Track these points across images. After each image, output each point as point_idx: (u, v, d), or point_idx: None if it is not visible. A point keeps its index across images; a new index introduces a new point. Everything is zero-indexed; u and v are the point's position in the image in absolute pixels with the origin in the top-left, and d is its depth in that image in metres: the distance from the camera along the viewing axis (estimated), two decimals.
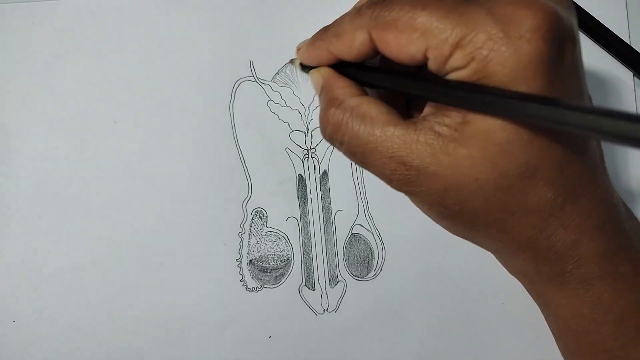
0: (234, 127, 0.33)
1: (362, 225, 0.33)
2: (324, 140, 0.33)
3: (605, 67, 0.33)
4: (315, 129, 0.33)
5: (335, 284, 0.33)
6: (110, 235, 0.32)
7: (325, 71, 0.25)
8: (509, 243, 0.22)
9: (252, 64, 0.33)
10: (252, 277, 0.32)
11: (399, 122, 0.22)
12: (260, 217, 0.33)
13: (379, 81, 0.23)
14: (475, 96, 0.19)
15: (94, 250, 0.32)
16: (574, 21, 0.21)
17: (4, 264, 0.32)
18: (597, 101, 0.33)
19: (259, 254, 0.32)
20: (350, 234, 0.33)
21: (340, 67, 0.25)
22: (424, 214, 0.31)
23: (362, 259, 0.33)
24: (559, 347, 0.27)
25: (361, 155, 0.22)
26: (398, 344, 0.32)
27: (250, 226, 0.33)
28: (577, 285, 0.23)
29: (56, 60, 0.33)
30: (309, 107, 0.33)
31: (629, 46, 0.33)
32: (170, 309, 0.32)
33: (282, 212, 0.33)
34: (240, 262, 0.32)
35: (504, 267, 0.26)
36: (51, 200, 0.32)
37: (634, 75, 0.33)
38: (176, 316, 0.32)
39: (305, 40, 0.26)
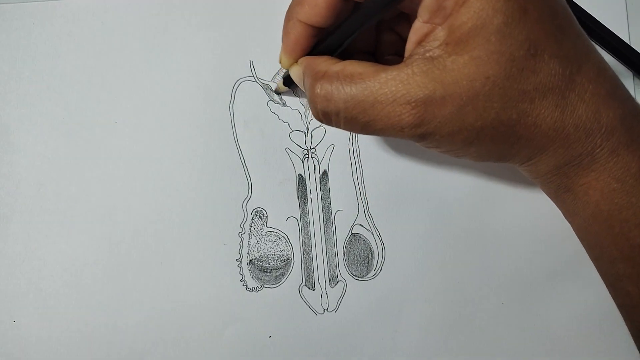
0: (234, 127, 0.33)
1: (362, 225, 0.33)
2: (323, 140, 0.33)
3: None
4: (315, 129, 0.33)
5: (335, 284, 0.33)
6: (110, 235, 0.32)
7: (302, 59, 0.25)
8: (538, 137, 0.22)
9: (252, 64, 0.33)
10: (252, 277, 0.32)
11: (387, 68, 0.21)
12: (260, 217, 0.33)
13: (346, 31, 0.23)
14: None
15: (94, 250, 0.32)
16: None
17: (4, 264, 0.32)
18: None
19: (259, 254, 0.32)
20: (350, 234, 0.33)
21: (314, 52, 0.25)
22: (424, 215, 0.31)
23: (362, 259, 0.33)
24: (586, 245, 0.27)
25: (362, 114, 0.22)
26: (398, 344, 0.32)
27: (250, 226, 0.33)
28: (607, 159, 0.22)
29: (56, 60, 0.33)
30: (309, 107, 0.33)
31: (629, 46, 0.33)
32: (170, 309, 0.32)
33: (282, 212, 0.33)
34: (240, 262, 0.32)
35: (531, 176, 0.25)
36: (51, 200, 0.32)
37: (633, 75, 0.33)
38: (176, 316, 0.32)
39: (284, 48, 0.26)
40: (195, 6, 0.33)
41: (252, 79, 0.33)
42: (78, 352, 0.32)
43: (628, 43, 0.33)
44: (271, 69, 0.33)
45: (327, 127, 0.33)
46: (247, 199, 0.33)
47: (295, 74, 0.25)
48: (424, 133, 0.21)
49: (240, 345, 0.32)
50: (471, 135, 0.21)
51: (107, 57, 0.33)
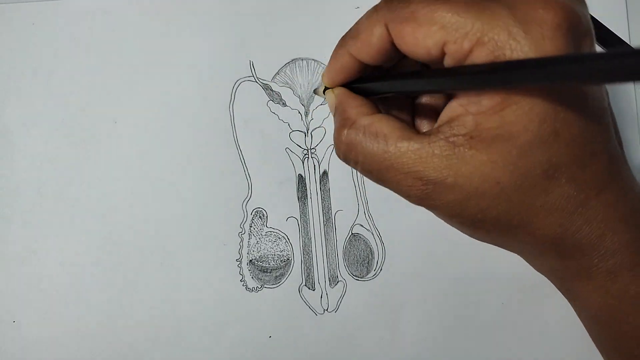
0: (234, 127, 0.33)
1: (362, 225, 0.33)
2: (323, 140, 0.33)
3: None
4: (315, 129, 0.33)
5: (335, 284, 0.33)
6: (110, 235, 0.32)
7: (339, 91, 0.25)
8: (534, 244, 0.22)
9: (252, 64, 0.33)
10: (252, 277, 0.32)
11: (412, 137, 0.21)
12: (260, 217, 0.33)
13: (391, 86, 0.23)
14: (503, 73, 0.18)
15: (94, 251, 0.32)
16: (589, 17, 0.21)
17: (4, 264, 0.32)
18: None
19: (259, 254, 0.32)
20: (350, 234, 0.33)
21: (354, 84, 0.25)
22: (423, 214, 0.31)
23: (362, 259, 0.33)
24: (592, 338, 0.27)
25: (377, 172, 0.22)
26: (398, 344, 0.32)
27: (250, 226, 0.33)
28: (604, 278, 0.22)
29: (56, 60, 0.33)
30: (309, 107, 0.33)
31: (629, 46, 0.33)
32: (170, 309, 0.32)
33: (282, 212, 0.33)
34: (240, 262, 0.32)
35: (531, 265, 0.26)
36: (51, 200, 0.32)
37: None
38: (176, 316, 0.32)
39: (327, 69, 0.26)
40: (195, 6, 0.33)
41: (252, 79, 0.33)
42: (78, 352, 0.32)
43: (628, 43, 0.33)
44: (271, 69, 0.33)
45: (327, 128, 0.33)
46: (247, 199, 0.33)
47: (330, 100, 0.26)
48: (427, 206, 0.22)
49: (240, 345, 0.32)
50: (471, 222, 0.22)
51: (107, 57, 0.33)
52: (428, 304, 0.32)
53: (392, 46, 0.22)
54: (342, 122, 0.23)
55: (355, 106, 0.24)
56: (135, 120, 0.33)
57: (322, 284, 0.32)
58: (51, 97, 0.33)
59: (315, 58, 0.33)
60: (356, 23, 0.23)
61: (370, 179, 0.23)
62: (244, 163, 0.33)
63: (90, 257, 0.32)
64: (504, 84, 0.19)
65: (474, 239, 0.28)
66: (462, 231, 0.24)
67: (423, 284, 0.32)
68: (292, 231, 0.33)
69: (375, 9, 0.22)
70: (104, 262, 0.32)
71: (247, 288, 0.32)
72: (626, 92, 0.33)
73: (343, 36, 0.24)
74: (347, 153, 0.23)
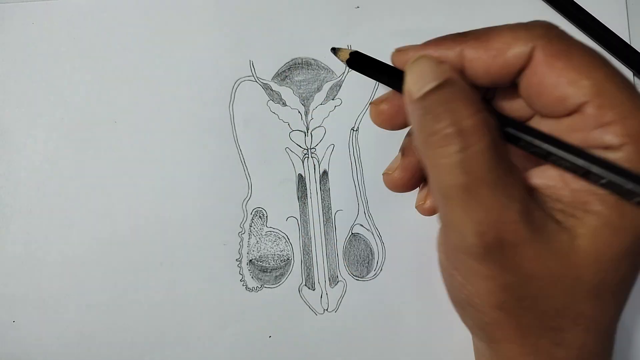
0: (233, 126, 0.33)
1: (362, 225, 0.33)
2: (323, 139, 0.33)
3: None
4: (315, 128, 0.33)
5: (335, 284, 0.33)
6: (110, 235, 0.32)
7: (448, 71, 0.19)
8: (508, 340, 0.20)
9: (252, 64, 0.33)
10: (252, 277, 0.32)
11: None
12: (260, 216, 0.33)
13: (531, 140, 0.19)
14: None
15: (94, 251, 0.32)
16: None
17: (4, 264, 0.32)
18: None
19: (259, 254, 0.32)
20: (350, 233, 0.33)
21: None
22: (423, 214, 0.31)
23: (362, 259, 0.33)
24: None
25: (447, 191, 0.18)
26: (398, 344, 0.32)
27: (250, 226, 0.33)
28: None
29: (56, 60, 0.33)
30: (309, 107, 0.33)
31: (629, 46, 0.33)
32: (170, 308, 0.32)
33: (282, 212, 0.33)
34: (240, 262, 0.32)
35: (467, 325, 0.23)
36: (51, 200, 0.32)
37: (634, 75, 0.33)
38: (176, 316, 0.32)
39: (410, 45, 0.21)
40: (195, 6, 0.33)
41: (252, 78, 0.33)
42: (78, 352, 0.32)
43: (628, 43, 0.33)
44: (271, 69, 0.33)
45: (327, 127, 0.33)
46: (247, 199, 0.33)
47: (422, 73, 0.19)
48: (487, 262, 0.19)
49: (240, 345, 0.32)
50: (509, 304, 0.19)
51: (106, 57, 0.33)
52: (428, 303, 0.32)
53: (519, 71, 0.19)
54: (456, 135, 0.18)
55: (476, 108, 0.18)
56: (135, 120, 0.33)
57: (322, 284, 0.32)
58: (51, 97, 0.33)
59: (315, 58, 0.33)
60: (489, 28, 0.19)
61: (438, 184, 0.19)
62: (243, 163, 0.33)
63: (90, 257, 0.32)
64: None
65: None
66: (482, 313, 0.20)
67: (423, 284, 0.32)
68: (292, 231, 0.33)
69: (527, 26, 0.19)
70: (104, 262, 0.32)
71: (247, 288, 0.32)
72: None
73: (461, 33, 0.20)
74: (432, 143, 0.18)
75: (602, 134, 0.18)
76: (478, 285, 0.19)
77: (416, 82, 0.19)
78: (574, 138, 0.19)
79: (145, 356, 0.32)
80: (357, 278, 0.33)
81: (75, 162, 0.32)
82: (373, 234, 0.33)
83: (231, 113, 0.33)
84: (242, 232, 0.32)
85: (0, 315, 0.32)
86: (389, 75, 0.22)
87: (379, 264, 0.33)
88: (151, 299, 0.32)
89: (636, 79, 0.33)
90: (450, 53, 0.19)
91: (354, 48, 0.33)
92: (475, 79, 0.20)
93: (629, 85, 0.18)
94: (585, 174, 0.18)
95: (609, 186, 0.17)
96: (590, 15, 0.32)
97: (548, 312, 0.19)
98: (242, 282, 0.32)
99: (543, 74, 0.18)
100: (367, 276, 0.33)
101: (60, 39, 0.33)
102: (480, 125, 0.18)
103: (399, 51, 0.21)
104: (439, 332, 0.32)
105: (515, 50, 0.18)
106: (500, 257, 0.18)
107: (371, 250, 0.33)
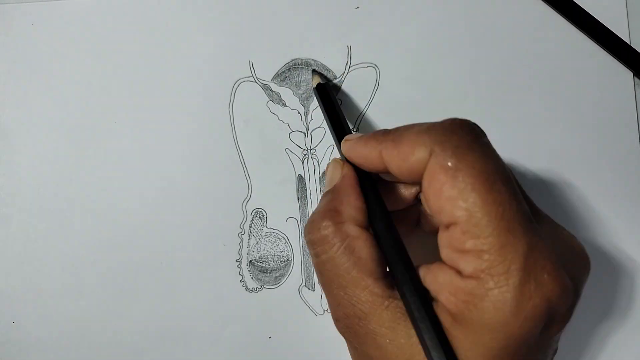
0: (233, 127, 0.33)
1: None
2: (323, 140, 0.33)
3: (605, 67, 0.33)
4: (315, 129, 0.33)
5: None
6: (110, 235, 0.32)
7: (348, 171, 0.24)
8: None
9: (252, 64, 0.33)
10: (252, 278, 0.32)
11: (379, 279, 0.21)
12: (260, 217, 0.33)
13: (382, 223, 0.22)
14: None
15: (94, 251, 0.32)
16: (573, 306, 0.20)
17: (4, 264, 0.32)
18: (597, 101, 0.33)
19: (259, 255, 0.32)
20: None
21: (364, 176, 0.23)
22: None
23: None
24: None
25: (327, 281, 0.22)
26: None
27: (250, 227, 0.33)
28: None
29: (56, 60, 0.33)
30: (308, 108, 0.33)
31: (629, 46, 0.33)
32: (170, 309, 0.32)
33: (281, 212, 0.33)
34: (240, 262, 0.32)
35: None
36: (51, 200, 0.32)
37: (634, 75, 0.33)
38: (176, 316, 0.32)
39: (356, 134, 0.24)
40: (194, 6, 0.33)
41: (252, 79, 0.33)
42: (78, 352, 0.32)
43: (628, 43, 0.33)
44: (271, 69, 0.33)
45: (327, 128, 0.33)
46: (246, 200, 0.33)
47: (330, 172, 0.25)
48: (345, 338, 0.23)
49: (240, 346, 0.32)
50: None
51: (106, 57, 0.33)
52: None
53: (420, 175, 0.21)
54: (331, 211, 0.22)
55: (354, 206, 0.22)
56: (135, 121, 0.33)
57: None
58: (51, 97, 0.33)
59: (315, 58, 0.33)
60: (404, 129, 0.21)
61: (317, 276, 0.23)
62: (243, 163, 0.33)
63: (90, 257, 0.32)
64: None
65: None
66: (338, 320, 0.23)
67: None
68: (292, 231, 0.33)
69: (429, 130, 0.20)
70: (104, 262, 0.32)
71: (246, 289, 0.32)
72: (626, 92, 0.33)
73: (386, 131, 0.22)
74: (315, 242, 0.22)
75: (459, 259, 0.19)
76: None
77: (328, 182, 0.25)
78: (442, 252, 0.20)
79: (145, 356, 0.32)
80: None
81: (75, 162, 0.32)
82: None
83: (231, 114, 0.33)
84: (242, 233, 0.32)
85: (0, 315, 0.32)
86: (332, 122, 0.28)
87: None
88: (151, 299, 0.32)
89: (636, 79, 0.33)
90: (373, 152, 0.22)
91: (354, 48, 0.33)
92: (396, 175, 0.22)
93: (507, 216, 0.18)
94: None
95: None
96: (590, 15, 0.32)
97: None
98: (242, 283, 0.32)
99: (429, 181, 0.20)
100: None
101: (60, 40, 0.33)
102: (331, 235, 0.22)
103: (345, 140, 0.25)
104: None
105: (417, 155, 0.20)
106: (359, 340, 0.22)
107: None
